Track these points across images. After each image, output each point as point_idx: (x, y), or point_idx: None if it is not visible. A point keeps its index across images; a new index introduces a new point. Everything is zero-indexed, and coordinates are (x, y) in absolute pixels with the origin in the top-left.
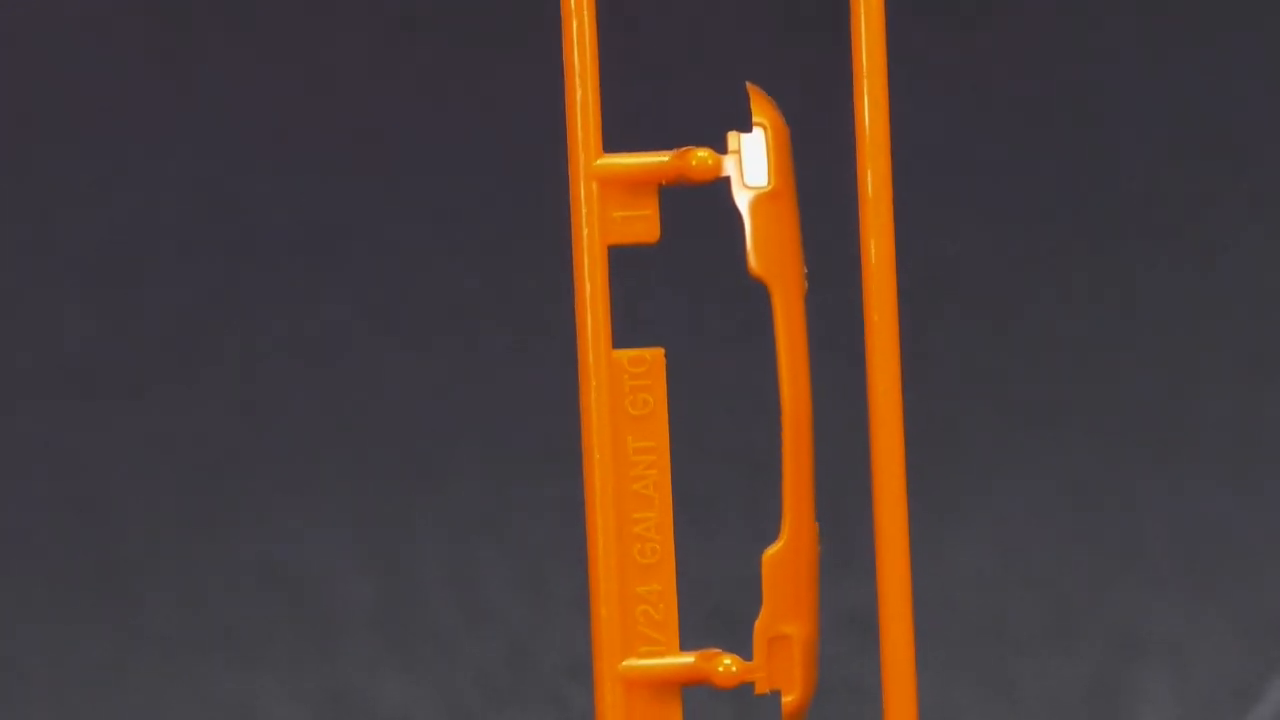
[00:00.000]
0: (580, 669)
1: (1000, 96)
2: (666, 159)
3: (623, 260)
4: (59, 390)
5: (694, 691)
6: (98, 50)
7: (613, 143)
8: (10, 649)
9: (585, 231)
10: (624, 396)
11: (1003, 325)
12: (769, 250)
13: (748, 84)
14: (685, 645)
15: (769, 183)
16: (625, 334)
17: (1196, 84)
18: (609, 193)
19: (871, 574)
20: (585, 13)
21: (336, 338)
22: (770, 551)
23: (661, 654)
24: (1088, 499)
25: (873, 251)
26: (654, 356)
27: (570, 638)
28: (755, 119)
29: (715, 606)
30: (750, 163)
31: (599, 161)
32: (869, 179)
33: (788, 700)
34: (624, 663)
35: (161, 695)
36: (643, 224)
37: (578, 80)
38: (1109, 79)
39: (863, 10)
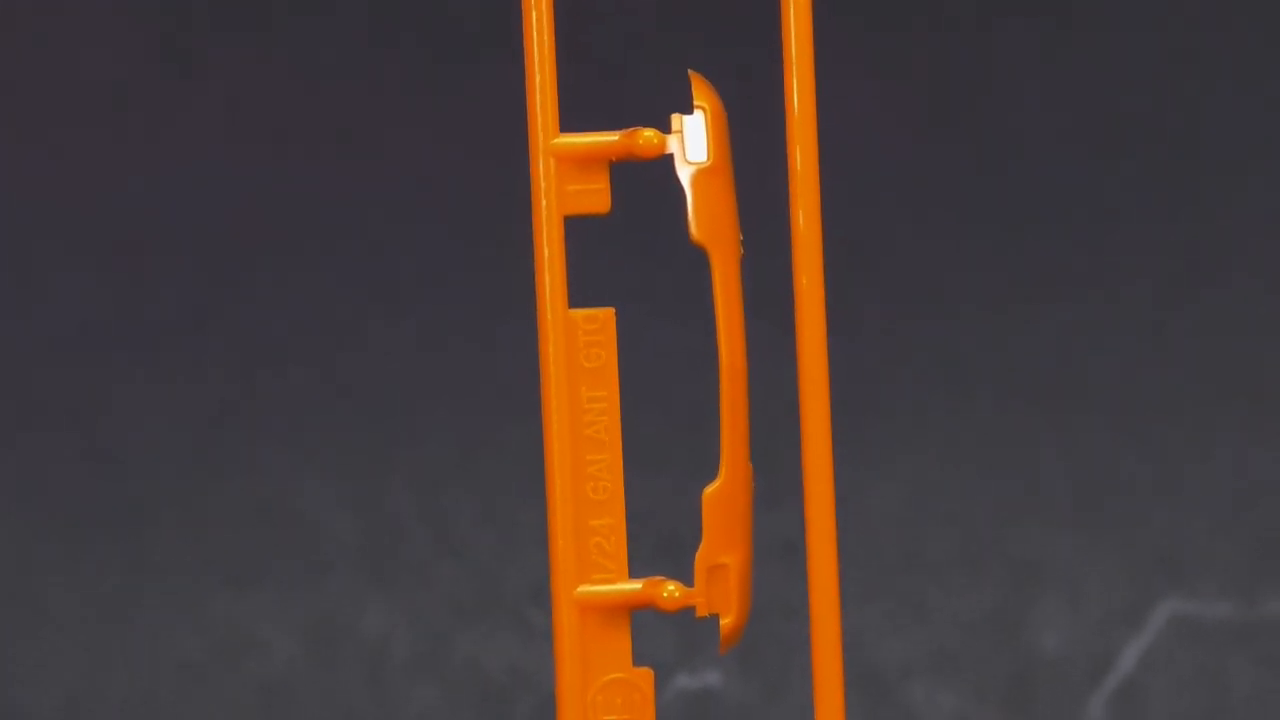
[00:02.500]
0: (541, 594)
1: (919, 85)
2: (616, 138)
3: (578, 229)
4: (74, 349)
5: (641, 614)
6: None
7: (568, 124)
8: (30, 581)
9: (544, 203)
10: (578, 351)
11: (918, 291)
12: (708, 220)
13: (690, 71)
14: (633, 574)
15: (708, 159)
16: (580, 295)
17: (1092, 71)
18: (565, 168)
19: (800, 509)
20: (544, 10)
21: (324, 305)
22: (709, 489)
23: (612, 581)
24: (992, 446)
25: (801, 220)
26: (606, 315)
27: (531, 567)
28: (696, 102)
29: (660, 539)
30: (691, 141)
31: (555, 140)
32: (797, 154)
33: (725, 622)
34: (579, 589)
35: (166, 621)
36: (595, 196)
37: (536, 68)
38: (1014, 69)
39: (791, 7)
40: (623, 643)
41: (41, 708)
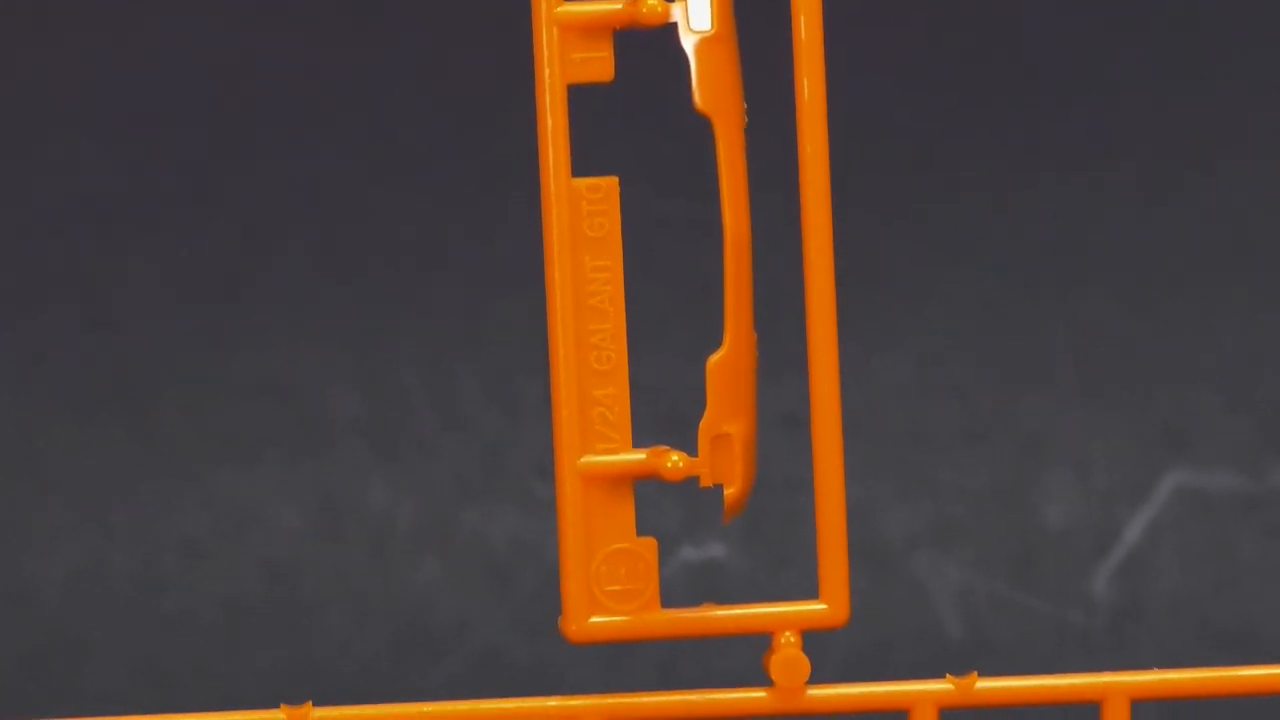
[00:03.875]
0: (545, 467)
1: None
2: (620, 6)
3: (581, 98)
4: (78, 222)
5: (645, 486)
6: None
7: None
8: (33, 455)
9: (547, 71)
10: (582, 220)
11: (922, 163)
12: (712, 88)
13: None
14: (637, 445)
15: (712, 27)
16: (583, 165)
17: None
18: (568, 37)
19: (803, 382)
20: None
21: (328, 180)
22: (713, 358)
23: (616, 451)
24: (997, 320)
25: (806, 89)
26: (609, 185)
27: (536, 440)
28: None
29: (664, 412)
30: (695, 9)
31: (560, 9)
32: (802, 23)
33: (729, 492)
34: (582, 459)
35: (171, 495)
36: (599, 65)
37: None
38: None
39: None
40: (626, 513)
41: (45, 581)
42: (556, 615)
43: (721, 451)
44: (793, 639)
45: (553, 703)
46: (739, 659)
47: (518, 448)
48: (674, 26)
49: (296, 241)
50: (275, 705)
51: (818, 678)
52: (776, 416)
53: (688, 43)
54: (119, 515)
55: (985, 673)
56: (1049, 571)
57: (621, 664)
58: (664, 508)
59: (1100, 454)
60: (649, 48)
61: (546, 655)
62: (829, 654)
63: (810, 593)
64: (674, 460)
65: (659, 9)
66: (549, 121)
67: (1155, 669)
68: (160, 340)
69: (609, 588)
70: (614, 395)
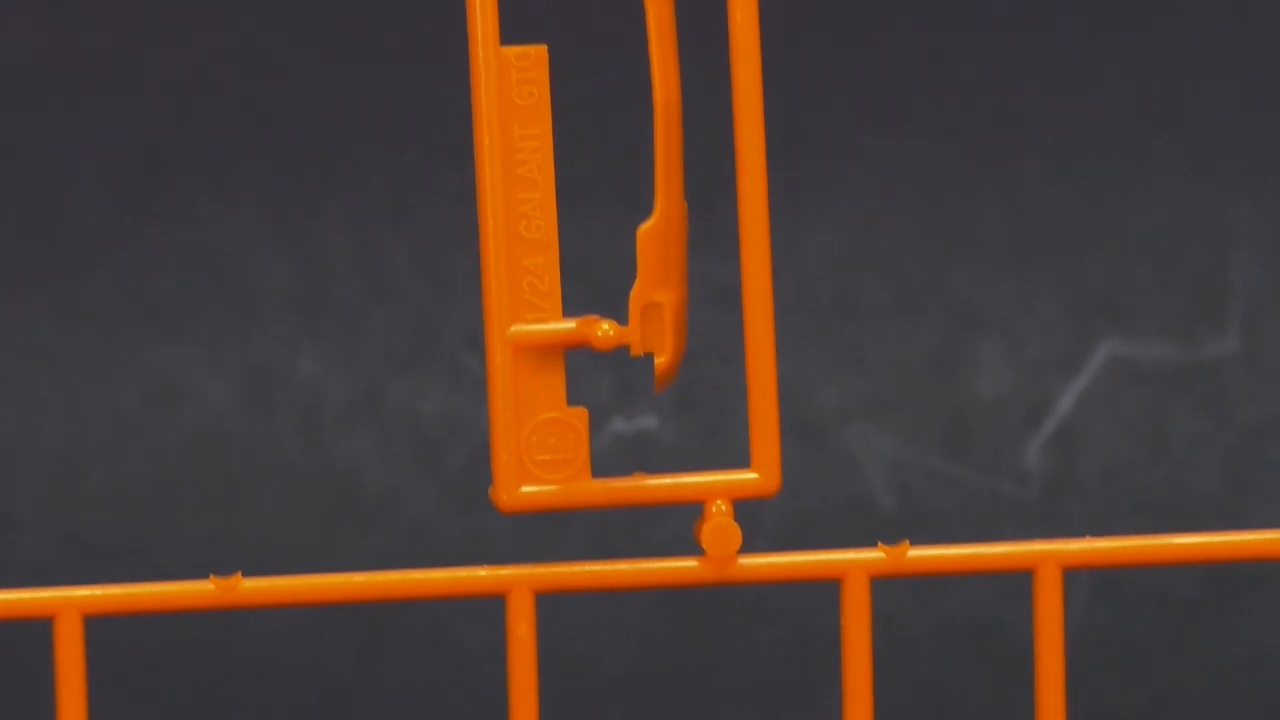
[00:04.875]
0: (475, 340)
1: None
2: None
3: None
4: (1, 95)
5: (577, 360)
6: None
7: None
8: None
9: None
10: (511, 89)
11: (853, 32)
12: None
13: None
14: (567, 316)
15: None
16: (512, 33)
17: None
18: None
19: (734, 255)
20: None
21: (252, 50)
22: (644, 227)
23: (545, 320)
24: (929, 191)
25: None
26: (538, 52)
27: (465, 313)
28: None
29: (595, 283)
30: None
31: None
32: None
33: (660, 361)
34: (512, 328)
35: (100, 369)
36: None
37: None
38: None
39: None
40: (556, 383)
41: None
42: (487, 489)
43: (652, 321)
44: (724, 508)
45: (483, 572)
46: (670, 531)
47: (447, 320)
48: None
49: (222, 112)
50: (204, 577)
51: (749, 548)
52: (707, 290)
53: None
54: (45, 389)
55: (917, 543)
56: (981, 442)
57: (552, 538)
58: (595, 380)
59: (1032, 325)
60: None
61: (477, 529)
62: (761, 526)
63: (742, 463)
64: (604, 329)
65: None
66: None
67: (1087, 538)
68: (86, 213)
69: (539, 457)
70: (543, 265)
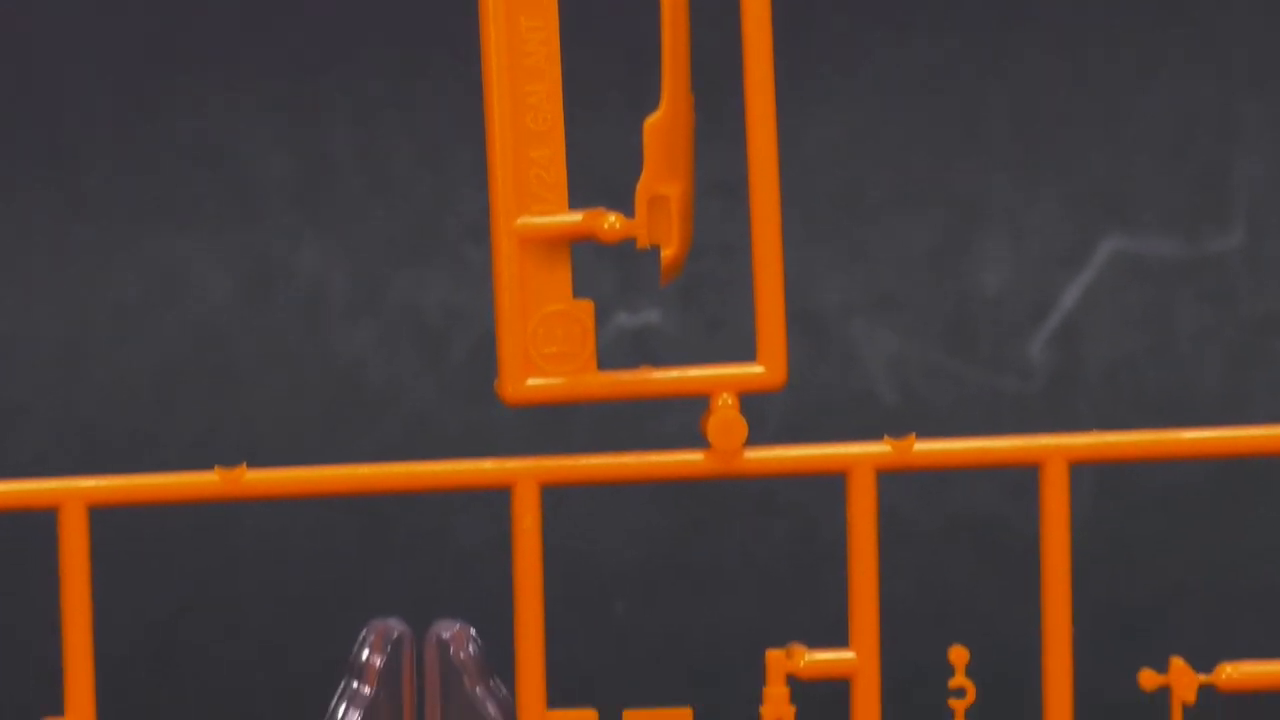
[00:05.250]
0: (478, 233)
1: None
2: None
3: None
4: None
5: (582, 254)
6: None
7: None
8: None
9: None
10: None
11: None
12: None
13: None
14: (573, 209)
15: None
16: None
17: None
18: None
19: (740, 150)
20: None
21: None
22: (651, 119)
23: (552, 212)
24: (933, 85)
25: None
26: None
27: (469, 206)
28: None
29: (600, 181)
30: None
31: None
32: None
33: (666, 253)
34: (519, 220)
35: (100, 262)
36: None
37: None
38: None
39: None
40: (563, 275)
41: None
42: (490, 382)
43: (659, 213)
44: (730, 401)
45: (489, 465)
46: (674, 425)
47: (451, 213)
48: None
49: (226, 3)
50: (207, 469)
51: (754, 442)
52: (710, 184)
53: None
54: (47, 280)
55: (921, 438)
56: (984, 338)
57: (555, 432)
58: (598, 275)
59: (1035, 220)
60: None
61: (479, 422)
62: (765, 421)
63: (747, 357)
64: (611, 221)
65: None
66: None
67: (1094, 432)
68: (88, 104)
69: (545, 350)
70: (550, 156)
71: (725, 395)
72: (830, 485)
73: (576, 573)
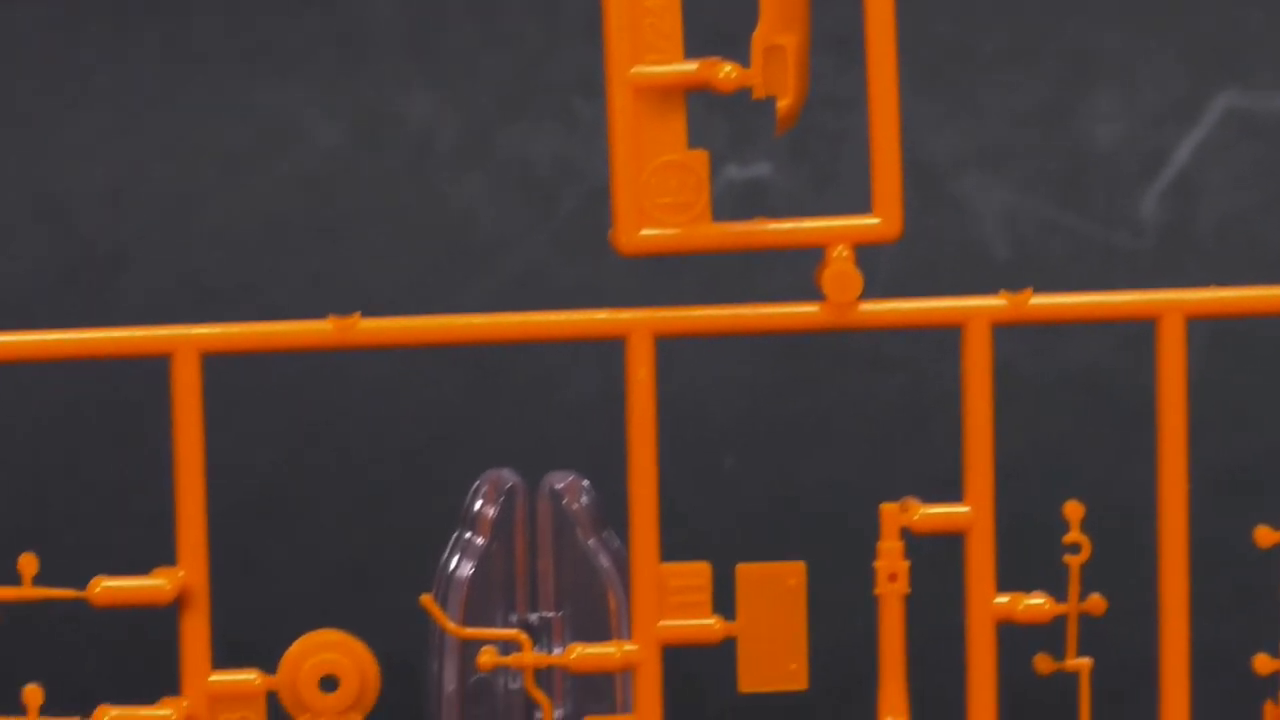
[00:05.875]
0: (589, 84)
1: None
2: None
3: None
4: None
5: (693, 104)
6: None
7: None
8: (76, 66)
9: None
10: None
11: None
12: None
13: None
14: (688, 58)
15: None
16: None
17: None
18: None
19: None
20: None
21: None
22: None
23: (667, 61)
24: None
25: None
26: None
27: (580, 58)
28: None
29: (713, 31)
30: None
31: None
32: None
33: (782, 104)
34: (633, 69)
35: (210, 109)
36: None
37: None
38: None
39: None
40: (677, 125)
41: (84, 194)
42: (598, 235)
43: (775, 63)
44: (845, 253)
45: (602, 315)
46: (782, 281)
47: (561, 64)
48: None
49: None
50: (313, 318)
51: (865, 296)
52: (822, 37)
53: None
54: (156, 129)
55: (1035, 293)
56: (1096, 193)
57: (661, 286)
58: (708, 127)
59: (1149, 74)
60: None
61: (587, 275)
62: (876, 276)
63: (856, 212)
64: (727, 71)
65: None
66: None
67: (1211, 286)
68: None
69: (660, 200)
70: (664, 5)
71: (841, 247)
72: (940, 340)
73: (685, 427)
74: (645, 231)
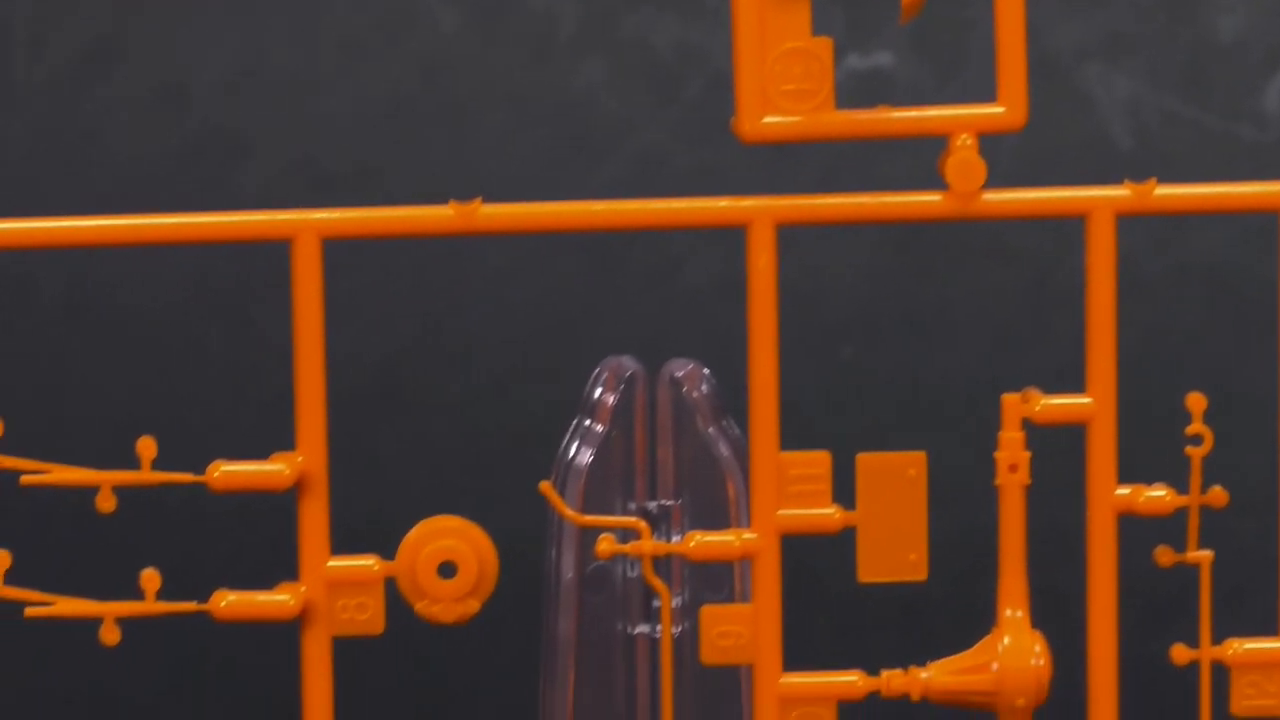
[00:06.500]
0: None
1: None
2: None
3: None
4: None
5: None
6: None
7: None
8: None
9: None
10: None
11: None
12: None
13: None
14: None
15: None
16: None
17: None
18: None
19: None
20: None
21: None
22: None
23: None
24: None
25: None
26: None
27: None
28: None
29: None
30: None
31: None
32: None
33: None
34: None
35: None
36: None
37: None
38: None
39: None
40: (801, 12)
41: (204, 79)
42: (720, 122)
43: None
44: (969, 141)
45: (723, 203)
46: (902, 169)
47: None
48: None
49: None
50: (438, 203)
51: (987, 186)
52: None
53: None
54: (276, 14)
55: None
56: (1220, 84)
57: (781, 175)
58: (828, 16)
59: None
60: None
61: (708, 161)
62: (997, 167)
63: (977, 102)
64: None
65: None
66: None
67: None
68: None
69: (783, 87)
70: None
71: (964, 135)
72: (1062, 231)
73: (804, 316)
74: (768, 119)
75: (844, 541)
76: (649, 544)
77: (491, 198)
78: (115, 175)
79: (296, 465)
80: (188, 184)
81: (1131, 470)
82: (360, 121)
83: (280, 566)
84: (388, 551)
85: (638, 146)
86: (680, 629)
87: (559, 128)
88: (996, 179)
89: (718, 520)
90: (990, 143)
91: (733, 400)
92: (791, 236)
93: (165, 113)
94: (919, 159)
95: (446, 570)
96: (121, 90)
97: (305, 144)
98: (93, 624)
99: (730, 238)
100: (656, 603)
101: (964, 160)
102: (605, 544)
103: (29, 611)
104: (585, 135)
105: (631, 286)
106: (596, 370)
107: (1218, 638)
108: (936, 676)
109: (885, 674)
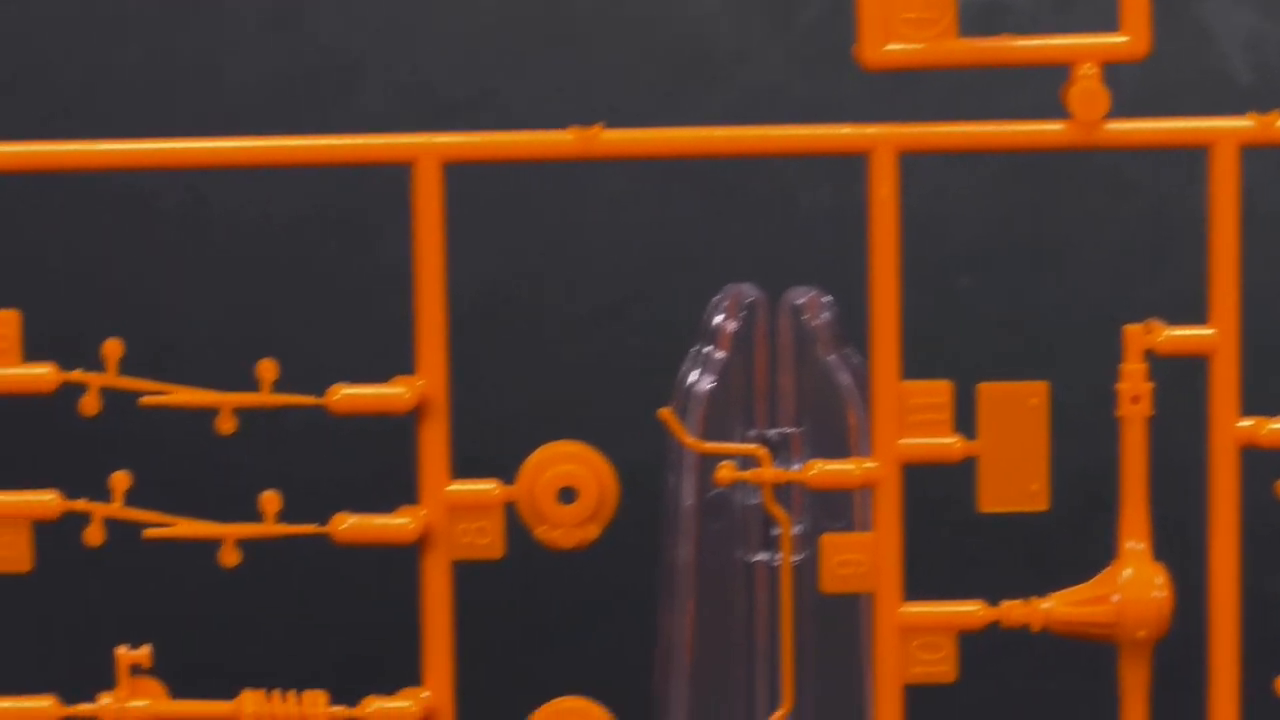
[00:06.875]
0: None
1: None
2: None
3: None
4: None
5: None
6: None
7: None
8: None
9: None
10: None
11: None
12: None
13: None
14: None
15: None
16: None
17: None
18: None
19: None
20: None
21: None
22: None
23: None
24: None
25: None
26: None
27: None
28: None
29: None
30: None
31: None
32: None
33: None
34: None
35: None
36: None
37: None
38: None
39: None
40: None
41: (320, 10)
42: (838, 50)
43: None
44: (1093, 70)
45: (845, 130)
46: (1023, 100)
47: None
48: None
49: None
50: (555, 128)
51: (1110, 118)
52: None
53: None
54: None
55: None
56: None
57: (900, 104)
58: None
59: None
60: None
61: (826, 91)
62: (1119, 99)
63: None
64: None
65: None
66: None
67: None
68: None
69: (905, 15)
70: None
71: (1088, 65)
72: (1182, 163)
73: (922, 246)
74: (890, 46)
75: (965, 470)
76: (769, 471)
77: (612, 124)
78: (233, 100)
79: (417, 389)
80: (307, 107)
81: (1253, 403)
82: (480, 46)
83: (401, 490)
84: (507, 476)
85: (757, 73)
86: (799, 557)
87: (679, 54)
88: (1118, 110)
89: (838, 448)
90: (1111, 73)
91: (851, 329)
92: (911, 163)
93: (283, 35)
94: (1041, 89)
95: (566, 495)
96: (238, 9)
97: (425, 68)
98: (212, 546)
99: (845, 167)
100: (775, 530)
101: (1088, 89)
102: (725, 471)
103: (148, 533)
104: (705, 62)
105: (752, 213)
106: (717, 297)
107: None
108: (1057, 607)
109: (1005, 604)
